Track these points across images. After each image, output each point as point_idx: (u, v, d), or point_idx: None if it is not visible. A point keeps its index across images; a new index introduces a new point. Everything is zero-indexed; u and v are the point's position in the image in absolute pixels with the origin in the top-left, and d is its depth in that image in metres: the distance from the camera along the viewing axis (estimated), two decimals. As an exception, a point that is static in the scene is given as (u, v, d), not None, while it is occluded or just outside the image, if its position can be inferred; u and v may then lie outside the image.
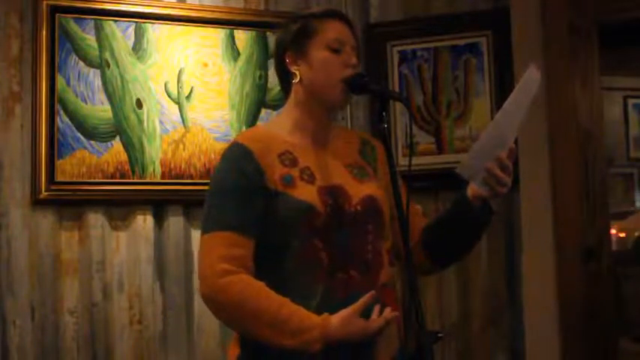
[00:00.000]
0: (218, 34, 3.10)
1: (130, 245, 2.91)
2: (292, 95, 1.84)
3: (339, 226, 1.72)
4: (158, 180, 2.94)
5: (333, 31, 1.80)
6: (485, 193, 1.74)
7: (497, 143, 1.71)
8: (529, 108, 1.73)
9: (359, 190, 1.78)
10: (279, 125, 1.84)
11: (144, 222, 2.93)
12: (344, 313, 1.63)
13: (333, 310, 1.65)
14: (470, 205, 1.76)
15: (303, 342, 1.61)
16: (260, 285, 1.66)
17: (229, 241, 1.69)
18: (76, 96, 2.88)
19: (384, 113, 1.73)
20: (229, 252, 1.68)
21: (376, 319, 1.65)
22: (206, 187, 2.96)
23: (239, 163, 1.75)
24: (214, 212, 1.73)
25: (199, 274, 1.71)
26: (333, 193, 1.74)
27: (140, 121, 2.95)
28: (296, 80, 1.81)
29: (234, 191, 1.72)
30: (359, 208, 1.75)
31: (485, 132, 1.72)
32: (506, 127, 1.71)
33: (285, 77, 1.86)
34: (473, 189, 1.76)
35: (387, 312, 1.66)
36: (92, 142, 2.88)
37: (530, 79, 1.72)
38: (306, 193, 1.72)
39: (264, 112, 3.13)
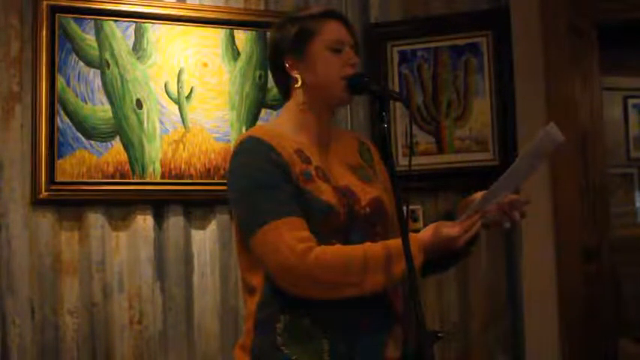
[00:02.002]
0: (218, 34, 3.09)
1: (130, 245, 2.91)
2: (293, 98, 1.83)
3: (353, 227, 1.72)
4: (158, 180, 2.94)
5: (332, 31, 1.79)
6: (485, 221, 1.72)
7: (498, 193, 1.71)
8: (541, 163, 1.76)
9: (366, 192, 1.78)
10: (282, 126, 1.82)
11: (144, 222, 2.93)
12: (432, 226, 1.68)
13: (345, 312, 1.67)
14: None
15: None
16: (339, 246, 1.67)
17: (292, 226, 1.65)
18: (76, 96, 2.88)
19: (384, 113, 1.72)
20: (299, 234, 1.64)
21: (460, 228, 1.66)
22: (206, 187, 3.00)
23: (264, 153, 1.71)
24: (263, 205, 1.67)
25: (280, 263, 1.64)
26: (346, 194, 1.74)
27: (140, 121, 2.95)
28: (298, 85, 1.80)
29: (273, 181, 1.68)
30: (368, 209, 1.75)
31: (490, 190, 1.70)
32: (505, 188, 1.71)
33: (283, 80, 1.84)
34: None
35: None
36: (92, 142, 2.88)
37: (548, 138, 1.69)
38: (326, 192, 1.71)
39: (264, 112, 3.13)
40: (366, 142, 1.95)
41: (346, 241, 1.70)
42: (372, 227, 1.75)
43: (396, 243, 1.63)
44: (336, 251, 1.66)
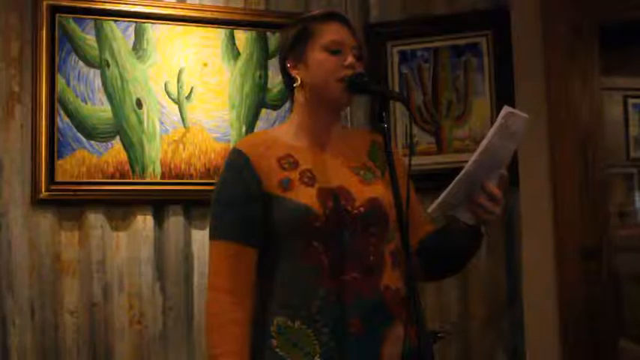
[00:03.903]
0: (218, 34, 3.10)
1: (130, 245, 2.91)
2: (297, 99, 1.85)
3: (340, 228, 1.71)
4: (158, 180, 2.94)
5: (330, 33, 1.80)
6: (470, 221, 1.70)
7: (475, 183, 1.66)
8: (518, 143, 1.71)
9: (364, 192, 1.77)
10: (285, 129, 1.85)
11: (144, 222, 2.93)
12: None
13: (335, 313, 1.66)
14: (458, 226, 1.74)
15: None
16: (228, 320, 1.71)
17: (227, 252, 1.75)
18: (76, 96, 2.88)
19: (384, 113, 1.73)
20: (227, 264, 1.74)
21: None
22: (206, 187, 3.00)
23: (234, 170, 1.78)
24: (215, 221, 1.80)
25: (209, 277, 1.79)
26: (335, 195, 1.73)
27: (140, 121, 2.95)
28: (297, 84, 1.82)
29: (231, 200, 1.76)
30: (362, 210, 1.74)
31: (456, 180, 1.65)
32: (484, 170, 1.66)
33: (289, 82, 1.86)
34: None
35: None
36: (92, 142, 2.88)
37: (511, 122, 1.63)
38: (305, 195, 1.72)
39: (264, 112, 3.13)
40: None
41: (328, 243, 1.70)
42: (365, 228, 1.74)
43: None
44: (220, 320, 1.72)
